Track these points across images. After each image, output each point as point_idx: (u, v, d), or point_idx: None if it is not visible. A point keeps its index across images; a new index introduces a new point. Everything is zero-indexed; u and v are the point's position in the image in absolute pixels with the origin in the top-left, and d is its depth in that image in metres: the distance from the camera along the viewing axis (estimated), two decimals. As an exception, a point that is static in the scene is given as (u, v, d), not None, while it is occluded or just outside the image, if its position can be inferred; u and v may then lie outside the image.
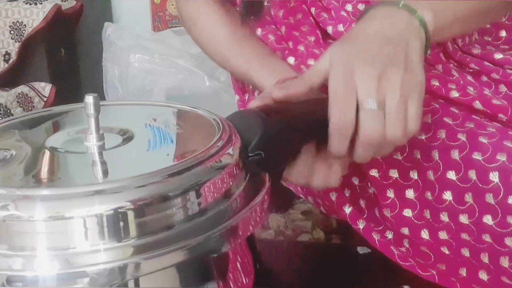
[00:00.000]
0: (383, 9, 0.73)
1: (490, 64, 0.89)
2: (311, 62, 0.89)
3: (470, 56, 0.91)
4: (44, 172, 0.57)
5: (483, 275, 0.75)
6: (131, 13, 2.36)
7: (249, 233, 0.57)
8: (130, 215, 0.49)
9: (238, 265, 0.58)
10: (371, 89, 0.65)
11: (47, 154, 0.58)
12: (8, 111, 1.84)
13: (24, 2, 2.02)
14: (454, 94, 0.82)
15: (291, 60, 0.92)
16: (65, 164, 0.58)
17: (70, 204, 0.48)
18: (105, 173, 0.57)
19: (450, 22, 0.78)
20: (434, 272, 0.79)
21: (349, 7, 0.94)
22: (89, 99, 0.56)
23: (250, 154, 0.62)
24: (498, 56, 0.89)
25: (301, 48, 0.93)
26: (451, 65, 0.90)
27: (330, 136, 0.67)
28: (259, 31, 0.98)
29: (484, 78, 0.89)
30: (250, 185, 0.59)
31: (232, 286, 0.57)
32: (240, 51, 0.97)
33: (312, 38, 0.93)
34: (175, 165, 0.53)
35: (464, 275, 0.77)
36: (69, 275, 0.47)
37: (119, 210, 0.48)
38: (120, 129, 0.62)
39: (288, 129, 0.67)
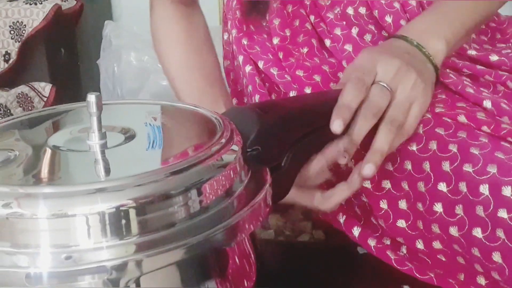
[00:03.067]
0: (401, 41, 0.83)
1: (483, 67, 0.89)
2: (299, 73, 0.91)
3: (462, 61, 0.91)
4: (46, 171, 0.57)
5: (481, 280, 0.76)
6: (131, 13, 2.35)
7: (250, 231, 0.57)
8: (132, 213, 0.49)
9: (240, 263, 0.58)
10: (388, 75, 0.75)
11: (49, 152, 0.58)
12: (8, 111, 1.85)
13: (24, 2, 2.02)
14: (440, 110, 0.81)
15: (275, 70, 0.94)
16: (67, 163, 0.58)
17: (73, 202, 0.48)
18: (108, 171, 0.57)
19: (460, 40, 0.87)
20: (432, 275, 0.79)
21: (349, 11, 0.96)
22: (92, 97, 0.56)
23: (248, 150, 0.63)
24: (494, 58, 0.90)
25: (292, 59, 0.94)
26: (447, 70, 0.90)
27: (345, 92, 0.73)
28: (245, 41, 0.99)
29: (482, 80, 0.89)
30: (251, 183, 0.60)
31: (233, 284, 0.57)
32: (187, 82, 1.01)
33: (305, 50, 0.94)
34: (176, 164, 0.53)
35: (462, 279, 0.78)
36: (72, 272, 0.47)
37: (121, 208, 0.48)
38: (122, 128, 0.62)
39: (284, 124, 0.69)
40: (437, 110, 0.81)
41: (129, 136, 0.61)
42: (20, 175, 0.55)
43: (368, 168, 0.72)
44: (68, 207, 0.48)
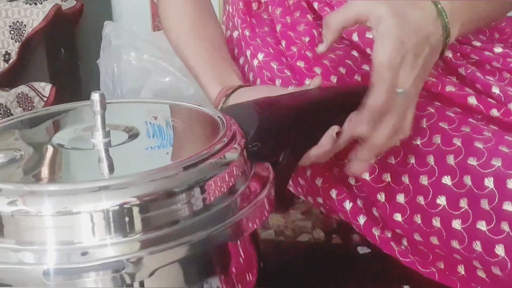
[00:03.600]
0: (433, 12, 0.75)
1: (490, 53, 0.90)
2: (300, 64, 0.91)
3: (470, 46, 0.92)
4: (52, 169, 0.57)
5: (481, 273, 0.76)
6: (131, 13, 2.36)
7: (252, 229, 0.57)
8: (136, 210, 0.49)
9: (242, 261, 0.59)
10: (408, 81, 0.70)
11: (54, 151, 0.59)
12: (8, 111, 1.84)
13: (24, 2, 2.01)
14: (450, 88, 0.82)
15: (274, 64, 0.94)
16: (72, 161, 0.59)
17: (77, 200, 0.48)
18: (112, 169, 0.57)
19: (472, 27, 0.85)
20: (434, 270, 0.80)
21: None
22: (96, 96, 0.57)
23: (248, 146, 0.64)
24: (498, 49, 0.90)
25: (294, 49, 0.94)
26: (458, 53, 0.90)
27: (375, 87, 0.70)
28: (247, 32, 1.00)
29: (488, 67, 0.90)
30: (254, 180, 0.60)
31: (235, 281, 0.57)
32: (196, 48, 1.01)
33: (307, 39, 0.94)
34: (180, 162, 0.53)
35: (463, 273, 0.78)
36: (77, 269, 0.47)
37: (125, 206, 0.49)
38: (125, 127, 0.63)
39: (282, 120, 0.70)
40: (448, 89, 0.82)
41: (133, 134, 0.61)
42: (26, 173, 0.55)
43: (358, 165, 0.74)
44: (73, 204, 0.48)
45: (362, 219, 0.84)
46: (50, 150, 0.59)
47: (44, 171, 0.56)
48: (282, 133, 0.70)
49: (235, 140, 0.59)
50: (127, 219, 0.49)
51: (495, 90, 0.82)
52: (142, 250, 0.49)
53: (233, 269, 0.57)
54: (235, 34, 1.06)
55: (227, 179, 0.56)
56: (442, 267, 0.80)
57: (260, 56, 0.96)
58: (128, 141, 0.60)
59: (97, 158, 0.58)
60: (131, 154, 0.58)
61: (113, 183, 0.49)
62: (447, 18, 0.74)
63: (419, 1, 0.76)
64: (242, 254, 0.58)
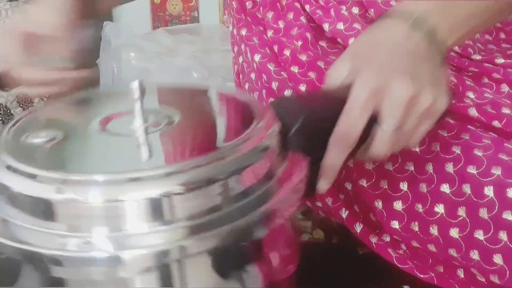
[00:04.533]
0: (398, 24, 0.70)
1: (490, 65, 0.87)
2: (294, 69, 0.89)
3: (469, 60, 0.89)
4: (96, 155, 0.58)
5: (481, 278, 0.75)
6: (131, 13, 2.34)
7: (290, 214, 0.58)
8: (179, 198, 0.50)
9: (284, 246, 0.60)
10: (398, 113, 0.64)
11: (96, 136, 0.59)
12: (8, 111, 1.84)
13: (24, 2, 2.02)
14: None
15: (271, 66, 0.92)
16: (113, 147, 0.59)
17: (123, 188, 0.50)
18: (153, 157, 0.57)
19: (467, 33, 0.75)
20: (433, 275, 0.80)
21: (343, 9, 0.93)
22: (135, 83, 0.57)
23: (291, 138, 0.62)
24: (500, 60, 0.87)
25: (286, 53, 0.91)
26: (448, 70, 0.87)
27: (330, 146, 0.65)
28: (243, 31, 0.99)
29: (485, 80, 0.88)
30: (289, 169, 0.59)
31: (278, 266, 0.59)
32: None
33: (300, 43, 0.92)
34: (219, 150, 0.54)
35: (462, 276, 0.78)
36: (121, 255, 0.49)
37: (167, 194, 0.50)
38: (164, 113, 0.62)
39: (329, 115, 0.66)
40: None
41: (171, 121, 0.61)
42: (70, 160, 0.57)
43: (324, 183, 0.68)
44: (119, 193, 0.50)
45: (358, 227, 0.83)
46: (91, 135, 0.60)
47: (89, 158, 0.57)
48: (329, 128, 0.65)
49: (271, 127, 0.59)
50: (170, 207, 0.50)
51: (487, 109, 0.80)
52: (185, 238, 0.50)
53: (274, 253, 0.59)
54: (235, 31, 1.04)
55: (264, 165, 0.56)
56: (442, 270, 0.80)
57: (257, 57, 0.94)
58: (166, 128, 0.60)
59: (138, 145, 0.58)
60: (169, 141, 0.59)
61: (155, 173, 0.50)
62: (423, 20, 0.68)
63: (387, 21, 0.71)
64: (281, 238, 0.60)
